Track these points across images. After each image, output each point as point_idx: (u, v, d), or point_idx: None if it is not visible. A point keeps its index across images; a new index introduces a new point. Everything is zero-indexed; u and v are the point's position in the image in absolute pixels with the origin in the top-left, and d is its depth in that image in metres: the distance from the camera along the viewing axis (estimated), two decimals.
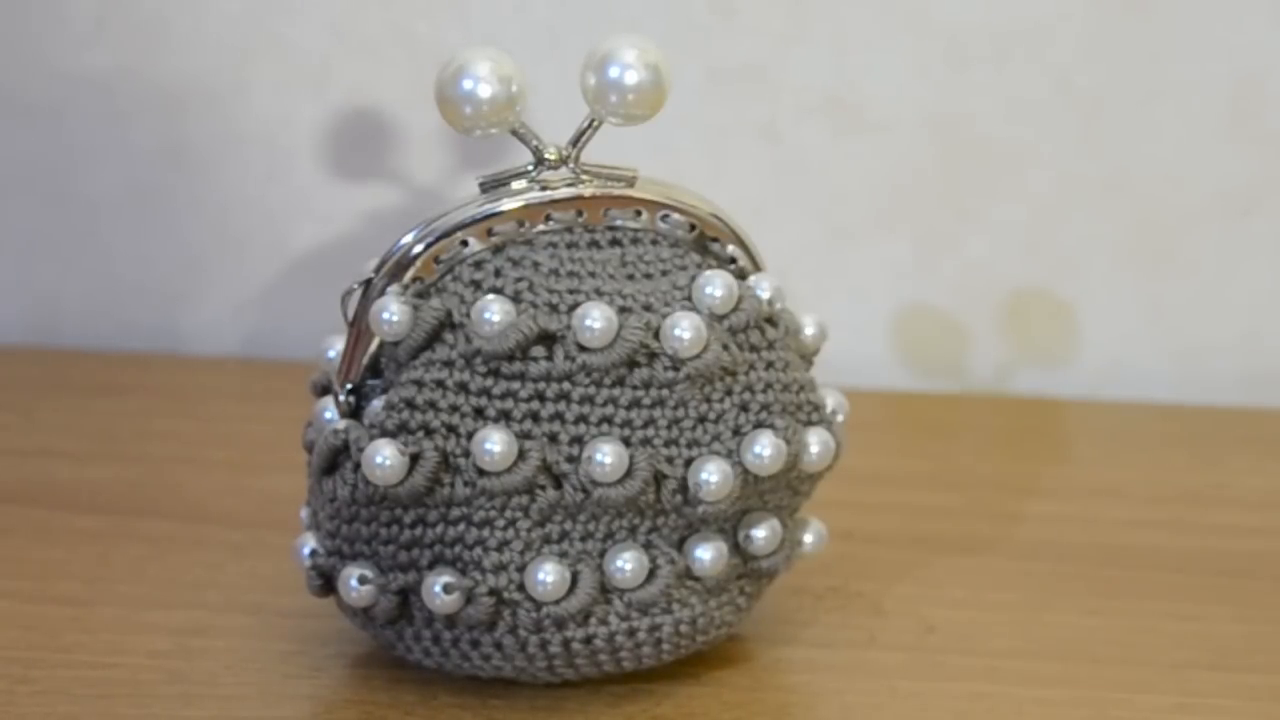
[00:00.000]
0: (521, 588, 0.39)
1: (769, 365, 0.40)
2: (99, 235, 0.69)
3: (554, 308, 0.39)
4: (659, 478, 0.39)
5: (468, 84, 0.39)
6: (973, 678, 0.43)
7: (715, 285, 0.40)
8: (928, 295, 0.68)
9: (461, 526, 0.39)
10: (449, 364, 0.39)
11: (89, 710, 0.41)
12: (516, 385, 0.39)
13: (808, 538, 0.43)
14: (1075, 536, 0.52)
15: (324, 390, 0.42)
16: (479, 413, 0.39)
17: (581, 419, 0.39)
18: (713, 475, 0.39)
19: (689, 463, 0.40)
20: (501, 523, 0.39)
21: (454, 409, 0.39)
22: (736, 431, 0.40)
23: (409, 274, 0.40)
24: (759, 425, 0.40)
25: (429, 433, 0.39)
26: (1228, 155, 0.65)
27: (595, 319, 0.38)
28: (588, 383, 0.39)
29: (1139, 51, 0.64)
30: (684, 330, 0.39)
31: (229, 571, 0.48)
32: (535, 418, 0.39)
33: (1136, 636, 0.46)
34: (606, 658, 0.41)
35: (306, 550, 0.41)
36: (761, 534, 0.41)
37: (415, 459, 0.39)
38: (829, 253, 0.67)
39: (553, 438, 0.39)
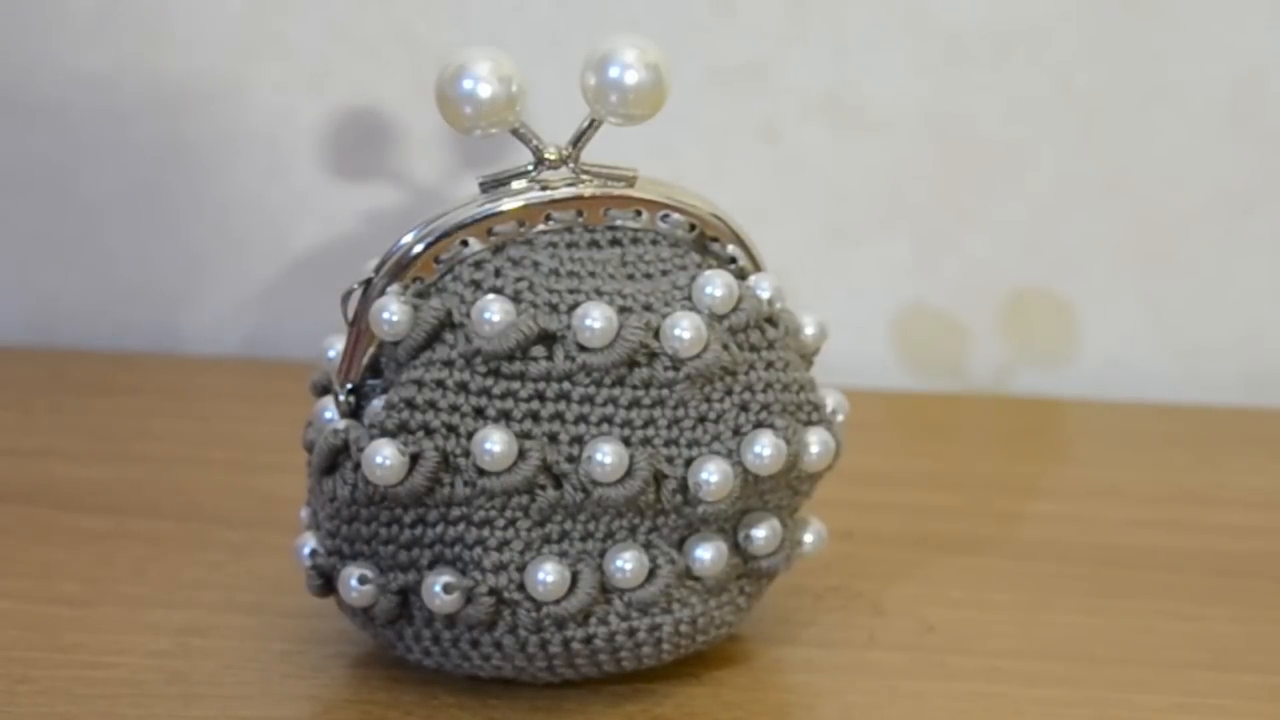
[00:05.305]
0: (521, 587, 0.39)
1: (769, 365, 0.40)
2: (99, 235, 0.69)
3: (554, 307, 0.39)
4: (659, 478, 0.39)
5: (468, 84, 0.39)
6: (973, 678, 0.43)
7: (715, 285, 0.40)
8: (928, 295, 0.68)
9: (461, 526, 0.39)
10: (449, 364, 0.39)
11: (89, 710, 0.41)
12: (516, 385, 0.39)
13: (808, 538, 0.43)
14: (1075, 536, 0.52)
15: (324, 390, 0.42)
16: (479, 412, 0.39)
17: (581, 419, 0.39)
18: (713, 475, 0.39)
19: (689, 462, 0.40)
20: (501, 522, 0.39)
21: (454, 409, 0.39)
22: (736, 431, 0.40)
23: (409, 274, 0.40)
24: (759, 425, 0.40)
25: (429, 432, 0.39)
26: (1228, 155, 0.65)
27: (595, 319, 0.38)
28: (588, 382, 0.39)
29: (1139, 51, 0.64)
30: (684, 330, 0.39)
31: (229, 571, 0.48)
32: (535, 417, 0.39)
33: (1136, 636, 0.46)
34: (606, 657, 0.41)
35: (306, 550, 0.41)
36: (761, 534, 0.41)
37: (415, 459, 0.39)
38: (829, 253, 0.67)
39: (553, 437, 0.39)
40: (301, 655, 0.43)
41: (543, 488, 0.39)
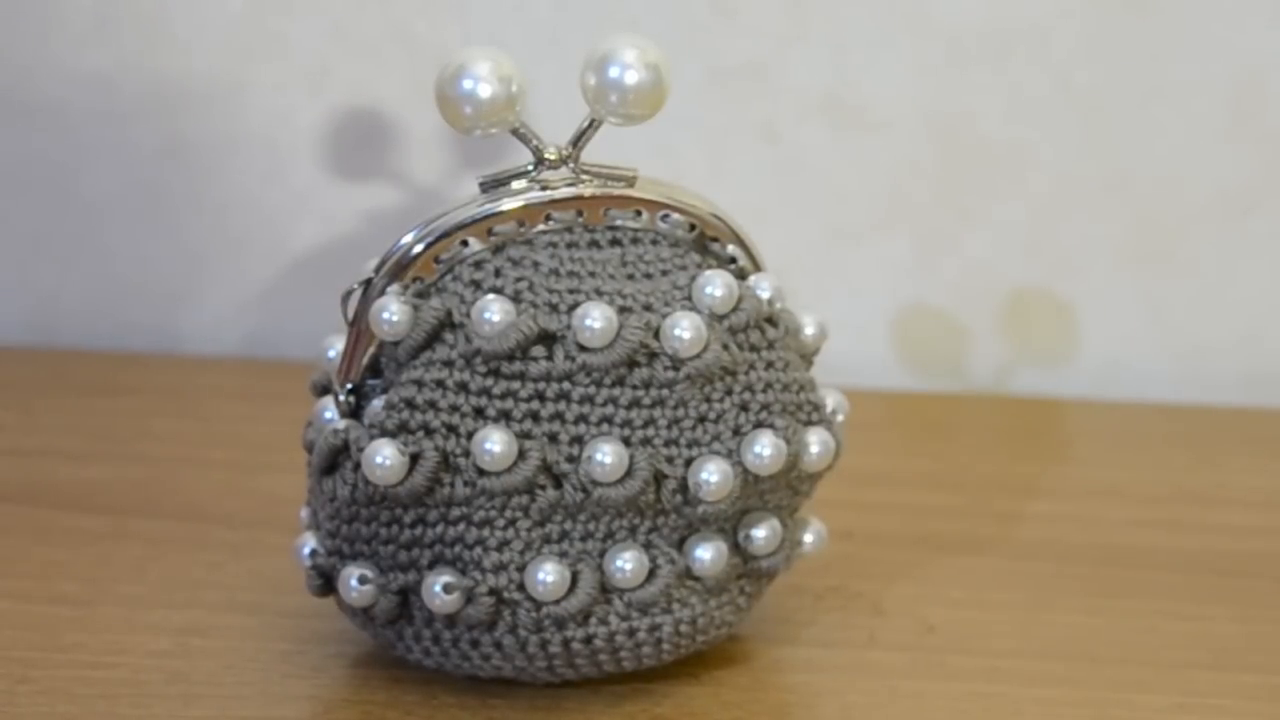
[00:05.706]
0: (521, 587, 0.39)
1: (769, 365, 0.40)
2: (99, 235, 0.69)
3: (554, 307, 0.39)
4: (659, 477, 0.39)
5: (468, 84, 0.39)
6: (973, 678, 0.43)
7: (715, 285, 0.40)
8: (928, 295, 0.68)
9: (461, 526, 0.39)
10: (449, 364, 0.39)
11: (89, 710, 0.41)
12: (516, 385, 0.39)
13: (808, 538, 0.43)
14: (1075, 536, 0.52)
15: (324, 390, 0.42)
16: (479, 412, 0.39)
17: (581, 419, 0.39)
18: (713, 475, 0.39)
19: (689, 462, 0.40)
20: (501, 522, 0.39)
21: (454, 409, 0.39)
22: (736, 431, 0.40)
23: (409, 274, 0.40)
24: (759, 425, 0.40)
25: (429, 432, 0.39)
26: (1228, 155, 0.65)
27: (595, 319, 0.38)
28: (588, 382, 0.39)
29: (1139, 51, 0.64)
30: (684, 330, 0.39)
31: (229, 571, 0.48)
32: (535, 417, 0.39)
33: (1136, 636, 0.46)
34: (606, 658, 0.41)
35: (306, 550, 0.41)
36: (761, 534, 0.41)
37: (415, 459, 0.39)
38: (829, 253, 0.67)
39: (553, 437, 0.39)
40: (301, 655, 0.43)
41: (543, 488, 0.39)
